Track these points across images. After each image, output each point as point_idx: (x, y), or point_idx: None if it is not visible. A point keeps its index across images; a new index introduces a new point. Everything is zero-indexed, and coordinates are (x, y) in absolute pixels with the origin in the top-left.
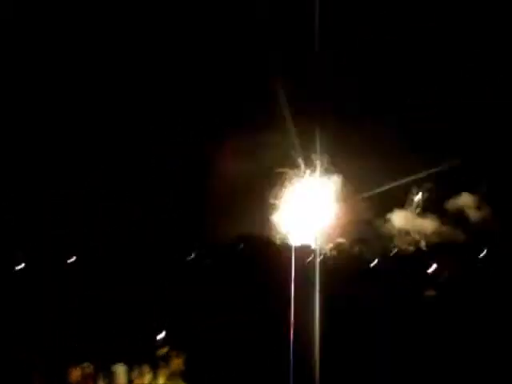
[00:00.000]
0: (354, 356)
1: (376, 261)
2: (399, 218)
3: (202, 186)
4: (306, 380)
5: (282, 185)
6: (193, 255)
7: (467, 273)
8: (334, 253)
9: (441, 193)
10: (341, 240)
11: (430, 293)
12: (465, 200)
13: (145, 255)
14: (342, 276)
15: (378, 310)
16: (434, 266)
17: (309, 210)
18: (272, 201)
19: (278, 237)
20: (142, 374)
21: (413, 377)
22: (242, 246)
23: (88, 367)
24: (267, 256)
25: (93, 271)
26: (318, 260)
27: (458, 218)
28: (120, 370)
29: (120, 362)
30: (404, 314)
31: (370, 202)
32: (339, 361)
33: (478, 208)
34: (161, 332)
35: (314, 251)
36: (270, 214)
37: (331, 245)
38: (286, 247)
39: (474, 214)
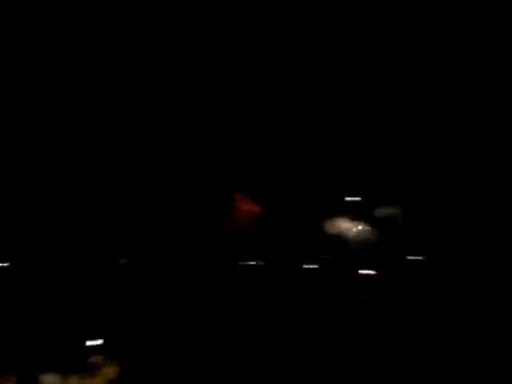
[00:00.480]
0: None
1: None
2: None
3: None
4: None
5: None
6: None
7: (399, 277)
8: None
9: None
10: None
11: (367, 297)
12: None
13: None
14: (280, 280)
15: (317, 314)
16: (371, 271)
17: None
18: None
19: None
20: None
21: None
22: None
23: (9, 378)
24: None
25: (18, 272)
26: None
27: (386, 225)
28: (47, 380)
29: (47, 371)
30: (343, 317)
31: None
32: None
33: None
34: (94, 338)
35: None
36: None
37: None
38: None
39: (401, 222)
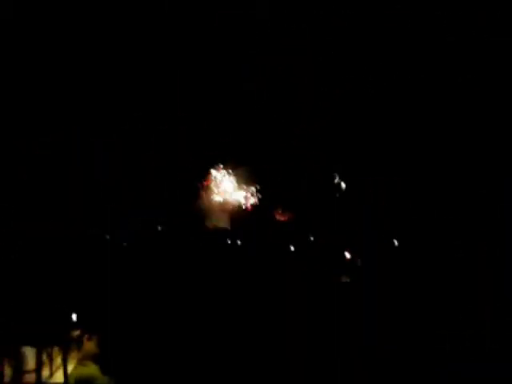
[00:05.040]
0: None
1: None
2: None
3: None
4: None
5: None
6: (108, 237)
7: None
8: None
9: None
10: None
11: (346, 279)
12: None
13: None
14: (256, 259)
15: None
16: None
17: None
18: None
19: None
20: (51, 358)
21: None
22: (159, 228)
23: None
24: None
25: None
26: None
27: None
28: (28, 352)
29: (28, 344)
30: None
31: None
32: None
33: None
34: (72, 314)
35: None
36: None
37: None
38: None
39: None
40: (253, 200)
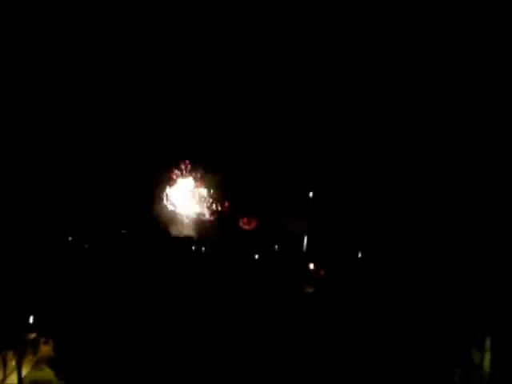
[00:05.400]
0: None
1: (257, 256)
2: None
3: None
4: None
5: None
6: (70, 238)
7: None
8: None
9: None
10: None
11: (310, 289)
12: None
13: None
14: (226, 269)
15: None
16: (311, 265)
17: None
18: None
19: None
20: (5, 361)
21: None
22: (123, 231)
23: None
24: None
25: None
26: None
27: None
28: None
29: None
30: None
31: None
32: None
33: None
34: (29, 316)
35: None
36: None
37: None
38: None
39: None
40: (217, 207)
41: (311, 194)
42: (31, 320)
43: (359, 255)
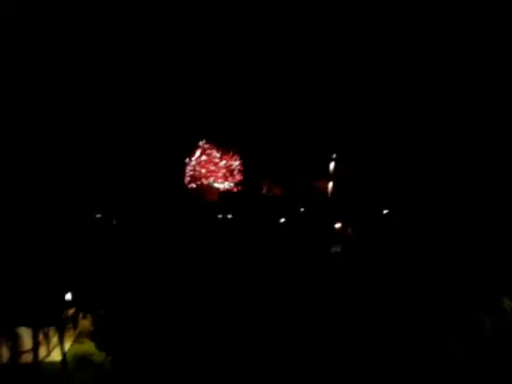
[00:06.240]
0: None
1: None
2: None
3: None
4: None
5: None
6: (99, 215)
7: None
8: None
9: None
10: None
11: (337, 249)
12: None
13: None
14: (252, 232)
15: (290, 263)
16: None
17: None
18: None
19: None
20: (47, 337)
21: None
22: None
23: None
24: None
25: None
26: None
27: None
28: (24, 332)
29: (24, 325)
30: (315, 267)
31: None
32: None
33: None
34: (67, 293)
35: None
36: None
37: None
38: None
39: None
40: (240, 176)
41: (335, 156)
42: (69, 297)
43: (386, 211)
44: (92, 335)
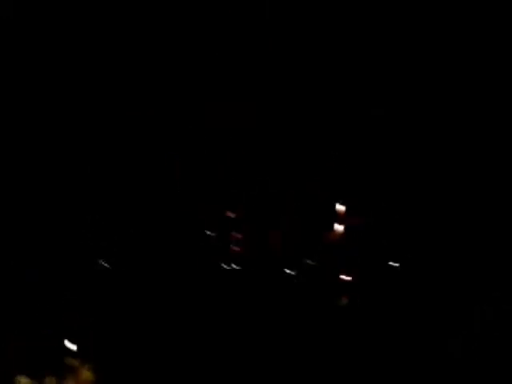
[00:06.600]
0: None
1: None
2: None
3: None
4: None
5: None
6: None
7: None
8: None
9: None
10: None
11: (344, 301)
12: None
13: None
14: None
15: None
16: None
17: None
18: None
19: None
20: None
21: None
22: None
23: None
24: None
25: None
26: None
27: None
28: (23, 382)
29: (22, 373)
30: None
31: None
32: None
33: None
34: (69, 341)
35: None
36: None
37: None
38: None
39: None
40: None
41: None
42: (70, 346)
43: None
44: None
